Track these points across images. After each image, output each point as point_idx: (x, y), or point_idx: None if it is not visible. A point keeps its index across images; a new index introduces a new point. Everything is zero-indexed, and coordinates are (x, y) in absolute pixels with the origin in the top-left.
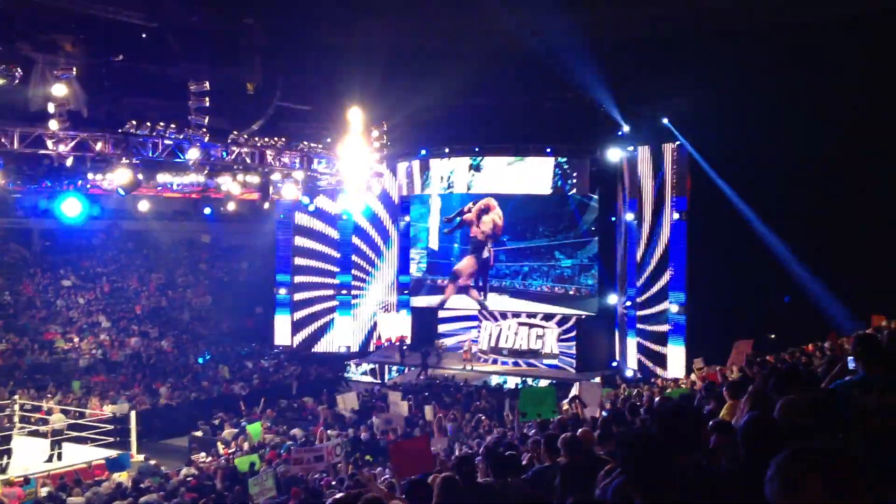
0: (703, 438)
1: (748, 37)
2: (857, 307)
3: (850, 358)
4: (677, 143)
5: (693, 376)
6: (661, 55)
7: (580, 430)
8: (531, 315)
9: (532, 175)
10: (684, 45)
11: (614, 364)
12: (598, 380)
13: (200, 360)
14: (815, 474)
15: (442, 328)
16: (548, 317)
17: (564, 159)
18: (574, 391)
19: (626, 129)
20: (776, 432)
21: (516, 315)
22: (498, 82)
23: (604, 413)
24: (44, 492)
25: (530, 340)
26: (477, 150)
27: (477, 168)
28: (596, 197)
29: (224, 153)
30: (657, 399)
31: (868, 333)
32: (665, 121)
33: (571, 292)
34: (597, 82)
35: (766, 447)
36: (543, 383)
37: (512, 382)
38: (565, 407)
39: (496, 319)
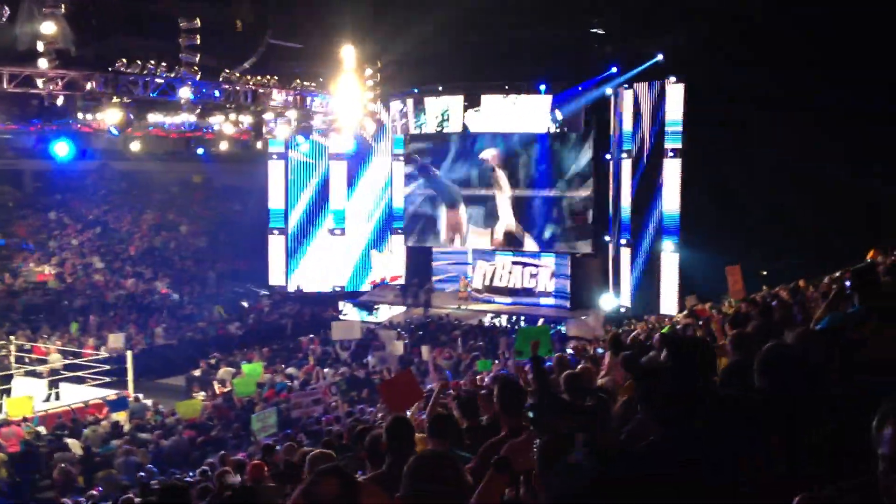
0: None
1: None
2: (853, 242)
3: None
4: (672, 79)
5: (679, 316)
6: None
7: (580, 367)
8: (525, 254)
9: (528, 113)
10: None
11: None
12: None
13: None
14: None
15: (436, 265)
16: (541, 255)
17: (557, 96)
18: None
19: (620, 65)
20: (798, 360)
21: (510, 254)
22: (491, 18)
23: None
24: (42, 430)
25: (524, 279)
26: (470, 87)
27: (472, 106)
28: (591, 134)
29: (216, 92)
30: (656, 336)
31: (866, 266)
32: (660, 57)
33: (565, 230)
34: (591, 18)
35: (789, 375)
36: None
37: (506, 321)
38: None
39: (490, 258)
